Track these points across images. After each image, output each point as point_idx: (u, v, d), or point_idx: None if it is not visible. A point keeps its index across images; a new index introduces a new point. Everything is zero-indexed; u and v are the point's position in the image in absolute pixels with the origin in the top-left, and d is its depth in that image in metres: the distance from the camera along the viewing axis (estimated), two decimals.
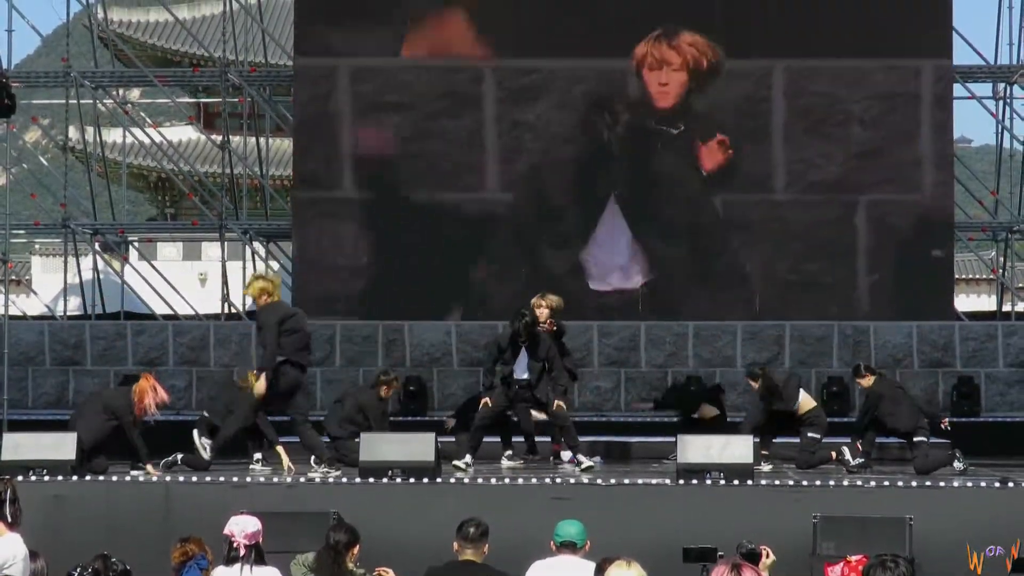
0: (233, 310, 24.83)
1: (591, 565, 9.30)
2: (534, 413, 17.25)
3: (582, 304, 21.79)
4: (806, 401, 17.25)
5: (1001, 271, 25.92)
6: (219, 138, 26.95)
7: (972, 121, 71.80)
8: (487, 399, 16.50)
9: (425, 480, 14.79)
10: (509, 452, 17.33)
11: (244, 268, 25.00)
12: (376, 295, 22.54)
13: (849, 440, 16.61)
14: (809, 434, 16.85)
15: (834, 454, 16.53)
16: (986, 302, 42.78)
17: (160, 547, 10.98)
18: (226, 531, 9.42)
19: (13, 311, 25.05)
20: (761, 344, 21.87)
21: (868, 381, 16.76)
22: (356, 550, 9.54)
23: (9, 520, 8.30)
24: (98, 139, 27.34)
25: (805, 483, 14.85)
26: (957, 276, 26.42)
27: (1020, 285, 28.13)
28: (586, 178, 22.67)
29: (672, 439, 17.61)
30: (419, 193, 22.74)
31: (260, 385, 15.79)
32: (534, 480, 15.00)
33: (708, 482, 14.65)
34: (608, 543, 9.72)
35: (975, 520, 14.08)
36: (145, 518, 14.44)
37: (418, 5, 23.06)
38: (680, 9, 22.89)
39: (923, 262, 22.39)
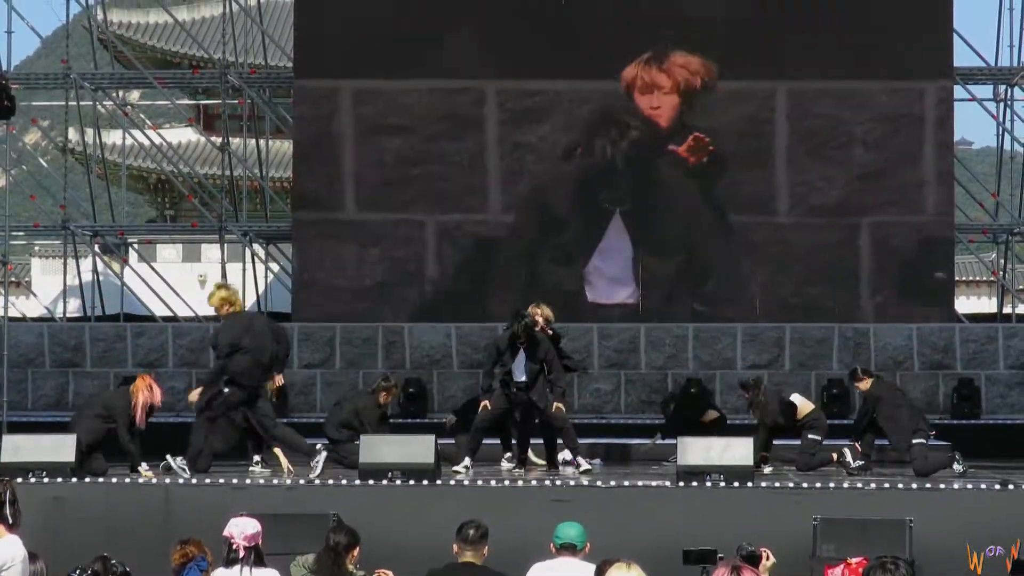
0: None
1: (591, 567, 9.29)
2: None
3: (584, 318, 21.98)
4: (804, 405, 17.27)
5: (1002, 273, 25.91)
6: (219, 140, 26.94)
7: (973, 123, 72.02)
8: (486, 402, 16.50)
9: (425, 482, 14.78)
10: (508, 454, 17.32)
11: (244, 270, 25.01)
12: (376, 316, 22.55)
13: (849, 442, 16.61)
14: (809, 436, 16.86)
15: (835, 455, 16.52)
16: (986, 304, 42.76)
17: (160, 549, 10.97)
18: (226, 533, 9.41)
19: (13, 313, 25.04)
20: (761, 346, 21.86)
21: (866, 384, 16.77)
22: (356, 552, 9.53)
23: (9, 522, 8.28)
24: (98, 141, 27.33)
25: (805, 485, 14.85)
26: (957, 278, 26.37)
27: (1021, 287, 28.09)
28: (588, 199, 22.62)
29: (673, 441, 17.66)
30: (420, 216, 22.80)
31: (193, 395, 15.99)
32: (534, 482, 15.01)
33: (708, 484, 14.65)
34: (608, 545, 9.71)
35: (975, 522, 14.08)
36: (145, 520, 14.44)
37: (419, 27, 23.05)
38: (681, 31, 22.77)
39: (925, 281, 22.38)
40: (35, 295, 30.93)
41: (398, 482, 14.78)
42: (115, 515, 14.63)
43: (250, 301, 25.40)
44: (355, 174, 23.02)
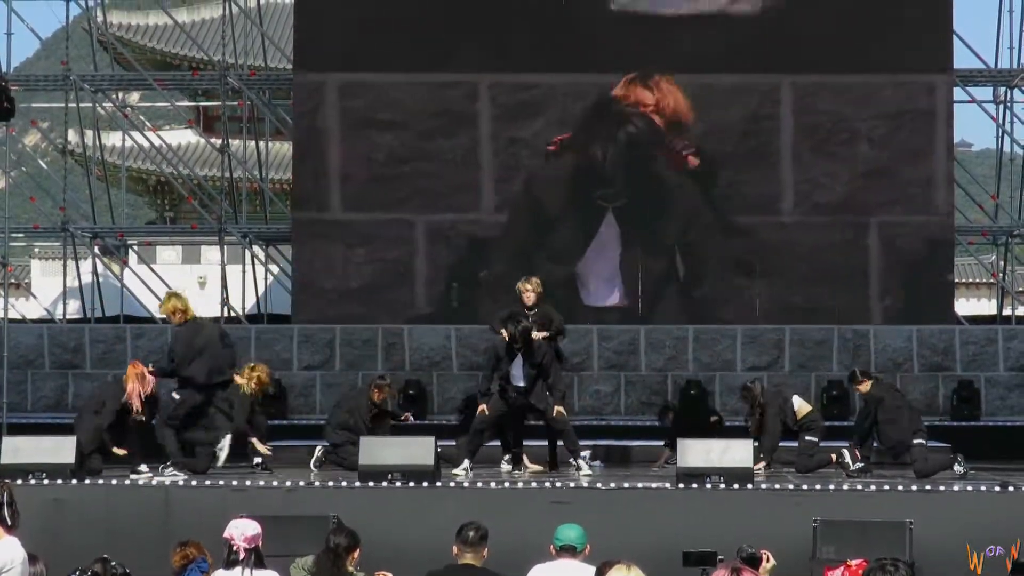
0: (232, 314, 24.81)
1: (591, 569, 9.29)
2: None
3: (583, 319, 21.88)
4: (803, 406, 17.31)
5: (1001, 275, 25.91)
6: (218, 142, 26.94)
7: (972, 125, 71.80)
8: (484, 405, 16.51)
9: (425, 484, 14.79)
10: (508, 456, 17.31)
11: (244, 272, 25.01)
12: (366, 320, 22.41)
13: (849, 444, 16.59)
14: (807, 438, 16.87)
15: (834, 457, 16.52)
16: (986, 306, 42.77)
17: (160, 550, 10.98)
18: (226, 535, 9.40)
19: (12, 314, 25.04)
20: (761, 348, 21.85)
21: (866, 386, 16.75)
22: (356, 554, 9.52)
23: (8, 523, 8.27)
24: (97, 142, 27.32)
25: (805, 487, 14.85)
26: (957, 280, 26.37)
27: (1020, 289, 28.09)
28: (584, 197, 22.37)
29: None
30: (410, 215, 22.51)
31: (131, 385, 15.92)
32: (534, 484, 15.00)
33: (708, 486, 14.65)
34: (608, 547, 9.70)
35: (975, 524, 14.08)
36: (145, 522, 14.44)
37: (409, 18, 22.69)
38: (682, 23, 22.44)
39: (928, 279, 22.28)
40: (35, 297, 30.92)
41: (398, 484, 14.79)
42: (115, 517, 14.63)
43: (250, 303, 25.42)
44: (342, 172, 22.68)
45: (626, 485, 15.01)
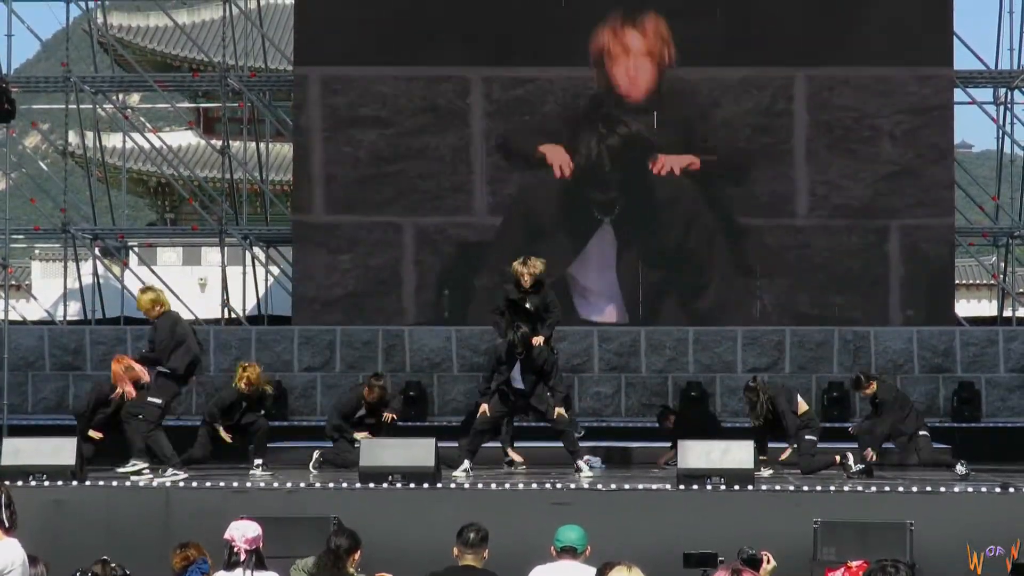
0: (233, 315, 24.82)
1: (592, 570, 9.30)
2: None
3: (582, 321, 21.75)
4: (802, 403, 17.32)
5: (1002, 276, 25.91)
6: (219, 143, 26.94)
7: (973, 126, 71.97)
8: (485, 407, 16.53)
9: (425, 485, 14.79)
10: (509, 458, 17.33)
11: (244, 273, 25.00)
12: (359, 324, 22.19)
13: (856, 446, 16.61)
14: (806, 437, 16.86)
15: (837, 458, 16.54)
16: (987, 307, 42.79)
17: (160, 552, 10.98)
18: (227, 536, 9.41)
19: (13, 316, 25.04)
20: (761, 349, 21.84)
21: (873, 388, 16.76)
22: (357, 555, 9.52)
23: (6, 525, 8.28)
24: (98, 144, 27.32)
25: (806, 488, 14.84)
26: (958, 281, 26.37)
27: (1021, 290, 28.09)
28: (580, 200, 21.92)
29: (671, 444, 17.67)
30: (397, 218, 22.06)
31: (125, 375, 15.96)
32: (534, 485, 14.99)
33: (708, 487, 14.65)
34: (609, 548, 9.72)
35: (976, 525, 14.07)
36: (145, 523, 14.44)
37: (396, 9, 22.21)
38: (690, 11, 21.98)
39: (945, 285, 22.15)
40: (35, 298, 30.91)
41: (398, 485, 14.79)
42: (115, 518, 14.63)
43: (251, 305, 25.42)
44: (324, 172, 22.19)
45: (627, 486, 15.01)
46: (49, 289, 34.42)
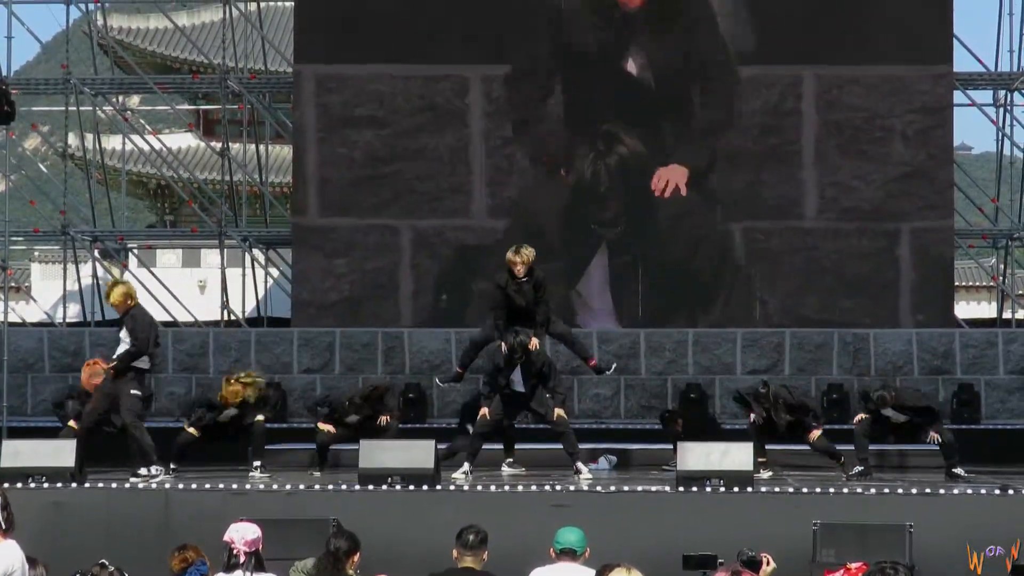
0: (232, 317, 24.81)
1: (591, 572, 9.31)
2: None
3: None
4: None
5: (1001, 278, 25.90)
6: (219, 145, 26.93)
7: (972, 128, 71.95)
8: (485, 409, 16.53)
9: (424, 487, 14.79)
10: (510, 460, 17.34)
11: (244, 275, 24.99)
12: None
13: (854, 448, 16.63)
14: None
15: (841, 459, 16.58)
16: (986, 309, 42.77)
17: (160, 554, 10.97)
18: (226, 538, 9.41)
19: (12, 318, 25.04)
20: (761, 351, 21.82)
21: (893, 397, 16.73)
22: (356, 557, 9.52)
23: (3, 527, 8.29)
24: (97, 146, 27.31)
25: (805, 490, 14.84)
26: (957, 283, 26.36)
27: (1020, 292, 28.08)
28: (577, 217, 21.77)
29: (671, 446, 17.66)
30: (394, 221, 21.87)
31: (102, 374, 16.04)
32: (534, 487, 15.00)
33: (708, 489, 14.66)
34: (608, 550, 9.72)
35: (975, 527, 14.08)
36: (144, 525, 14.46)
37: (392, 4, 21.91)
38: (698, 8, 21.77)
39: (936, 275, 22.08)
40: (35, 300, 30.91)
41: (398, 487, 14.80)
42: (115, 520, 14.64)
43: (250, 306, 25.42)
44: (319, 173, 21.95)
45: (626, 488, 15.03)
46: (49, 291, 34.42)
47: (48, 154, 44.08)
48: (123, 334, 16.04)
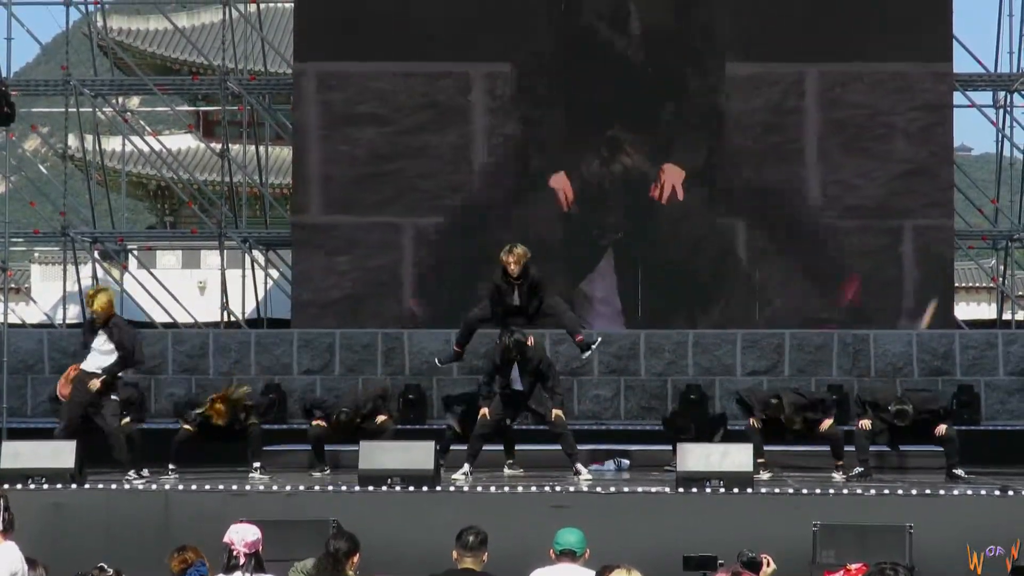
0: (232, 318, 24.81)
1: (591, 573, 9.31)
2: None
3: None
4: None
5: (1001, 279, 25.89)
6: (218, 146, 26.93)
7: (972, 129, 72.10)
8: (485, 410, 16.52)
9: (424, 488, 14.79)
10: (511, 461, 17.32)
11: (244, 276, 24.99)
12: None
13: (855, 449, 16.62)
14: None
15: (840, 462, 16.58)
16: (986, 310, 42.75)
17: (159, 555, 10.95)
18: (226, 539, 9.40)
19: (12, 319, 25.04)
20: (761, 353, 21.83)
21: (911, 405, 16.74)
22: (356, 558, 9.52)
23: (3, 528, 8.29)
24: (97, 147, 27.31)
25: (805, 491, 14.84)
26: (957, 284, 26.35)
27: (1020, 293, 28.07)
28: (580, 224, 21.81)
29: (670, 447, 17.65)
30: (396, 219, 21.89)
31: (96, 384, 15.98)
32: (533, 488, 14.99)
33: (708, 490, 14.66)
34: (608, 551, 9.72)
35: (975, 528, 14.08)
36: (144, 526, 14.45)
37: (397, 5, 21.91)
38: (700, 5, 21.86)
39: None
40: (35, 301, 30.92)
41: (398, 488, 14.79)
42: (115, 521, 14.64)
43: (250, 308, 25.42)
44: (321, 171, 21.96)
45: (626, 489, 15.03)
46: (48, 292, 34.40)
47: (48, 155, 44.08)
48: (102, 342, 16.05)
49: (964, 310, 38.70)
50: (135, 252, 28.40)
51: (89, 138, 26.51)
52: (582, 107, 21.95)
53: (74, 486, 14.98)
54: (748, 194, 21.80)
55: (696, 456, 15.03)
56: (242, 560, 9.30)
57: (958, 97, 23.49)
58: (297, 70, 22.66)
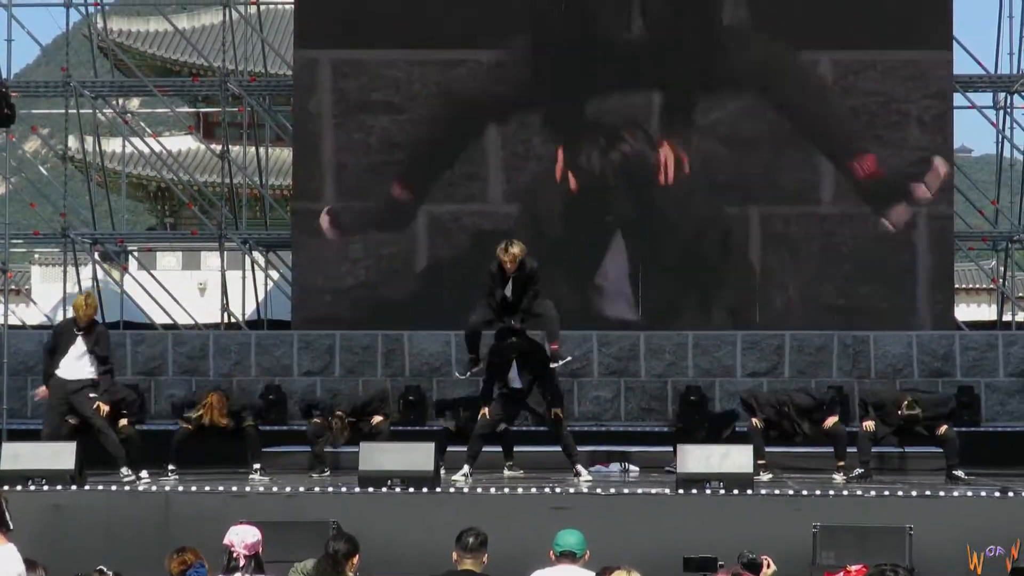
0: (233, 320, 24.81)
1: (591, 574, 9.30)
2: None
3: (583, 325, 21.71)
4: None
5: (1001, 281, 25.89)
6: (219, 148, 26.94)
7: (972, 131, 72.09)
8: (485, 409, 16.52)
9: (424, 489, 14.79)
10: (510, 463, 17.31)
11: (244, 278, 24.99)
12: (370, 314, 22.11)
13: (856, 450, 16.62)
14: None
15: (842, 463, 16.58)
16: (986, 312, 42.75)
17: (160, 557, 10.96)
18: (226, 541, 9.41)
19: (12, 320, 25.04)
20: (761, 354, 21.83)
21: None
22: (356, 560, 9.52)
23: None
24: (98, 149, 27.31)
25: (805, 492, 14.84)
26: (957, 286, 26.34)
27: (1020, 295, 28.05)
28: (588, 211, 21.87)
29: (671, 448, 17.65)
30: (411, 204, 22.04)
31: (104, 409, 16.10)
32: (533, 489, 14.99)
33: (708, 492, 14.65)
34: (608, 552, 9.73)
35: (975, 529, 14.07)
36: (144, 528, 14.44)
37: None
38: None
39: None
40: (35, 303, 30.94)
41: (397, 489, 14.79)
42: (115, 522, 14.63)
43: (250, 309, 25.42)
44: (334, 159, 22.07)
45: (626, 490, 15.02)
46: (49, 293, 34.43)
47: (48, 157, 44.13)
48: (81, 347, 16.08)
49: (964, 311, 38.69)
50: (135, 253, 28.40)
51: (89, 139, 26.51)
52: (591, 92, 22.06)
53: (74, 487, 14.98)
54: (762, 181, 21.86)
55: (696, 457, 15.02)
56: (242, 562, 9.30)
57: (958, 98, 23.49)
58: (309, 58, 22.60)
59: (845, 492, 14.90)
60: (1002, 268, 26.25)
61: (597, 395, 21.84)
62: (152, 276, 25.76)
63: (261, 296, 25.57)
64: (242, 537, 9.37)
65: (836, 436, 16.77)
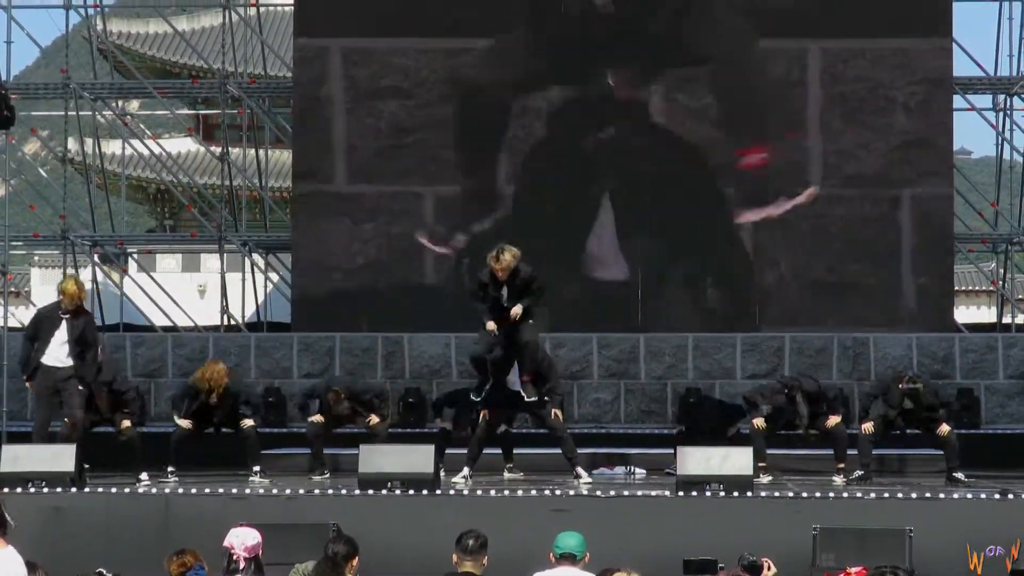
0: (232, 322, 24.81)
1: None
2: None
3: (585, 314, 21.75)
4: None
5: (1001, 283, 25.89)
6: (218, 150, 26.92)
7: (972, 132, 72.05)
8: (485, 412, 16.50)
9: (424, 492, 14.79)
10: (510, 465, 17.31)
11: (243, 280, 25.00)
12: (372, 301, 22.20)
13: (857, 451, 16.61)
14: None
15: (841, 465, 16.57)
16: (986, 314, 42.78)
17: (159, 559, 10.96)
18: (226, 543, 9.41)
19: (12, 323, 25.03)
20: (761, 355, 21.84)
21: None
22: (355, 562, 9.52)
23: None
24: (97, 151, 27.31)
25: (805, 495, 14.84)
26: (957, 288, 26.35)
27: (1020, 297, 28.06)
28: (579, 184, 22.07)
29: (671, 450, 17.66)
30: (418, 188, 22.20)
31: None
32: (533, 492, 14.99)
33: (708, 494, 14.65)
34: (608, 555, 9.72)
35: (975, 531, 14.08)
36: (144, 530, 14.45)
37: None
38: None
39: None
40: (35, 305, 30.87)
41: (397, 492, 14.79)
42: (115, 525, 14.63)
43: (250, 311, 25.42)
44: (346, 142, 22.30)
45: (626, 493, 15.03)
46: (48, 296, 34.33)
47: (48, 159, 44.13)
48: (64, 333, 16.00)
49: (964, 313, 38.73)
50: (135, 255, 28.42)
51: (89, 141, 26.52)
52: (597, 78, 22.19)
53: (74, 490, 14.98)
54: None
55: (696, 459, 15.03)
56: (242, 564, 9.30)
57: (958, 100, 23.50)
58: (322, 46, 22.67)
59: (845, 494, 14.90)
60: (1002, 270, 26.25)
61: (597, 397, 21.84)
62: (152, 278, 25.75)
63: (261, 298, 25.57)
64: (242, 539, 9.37)
65: (837, 437, 16.77)
